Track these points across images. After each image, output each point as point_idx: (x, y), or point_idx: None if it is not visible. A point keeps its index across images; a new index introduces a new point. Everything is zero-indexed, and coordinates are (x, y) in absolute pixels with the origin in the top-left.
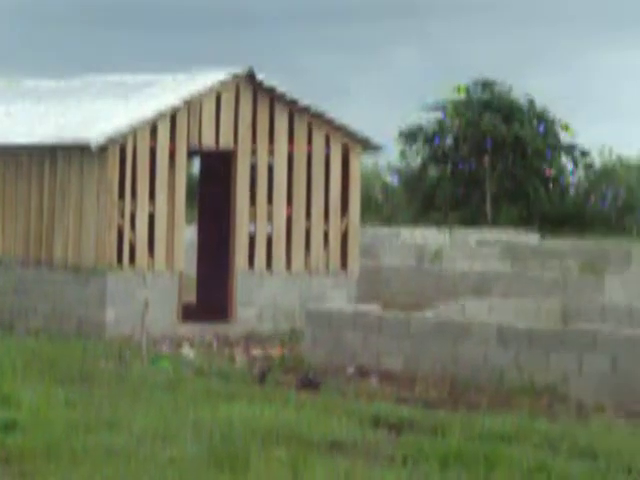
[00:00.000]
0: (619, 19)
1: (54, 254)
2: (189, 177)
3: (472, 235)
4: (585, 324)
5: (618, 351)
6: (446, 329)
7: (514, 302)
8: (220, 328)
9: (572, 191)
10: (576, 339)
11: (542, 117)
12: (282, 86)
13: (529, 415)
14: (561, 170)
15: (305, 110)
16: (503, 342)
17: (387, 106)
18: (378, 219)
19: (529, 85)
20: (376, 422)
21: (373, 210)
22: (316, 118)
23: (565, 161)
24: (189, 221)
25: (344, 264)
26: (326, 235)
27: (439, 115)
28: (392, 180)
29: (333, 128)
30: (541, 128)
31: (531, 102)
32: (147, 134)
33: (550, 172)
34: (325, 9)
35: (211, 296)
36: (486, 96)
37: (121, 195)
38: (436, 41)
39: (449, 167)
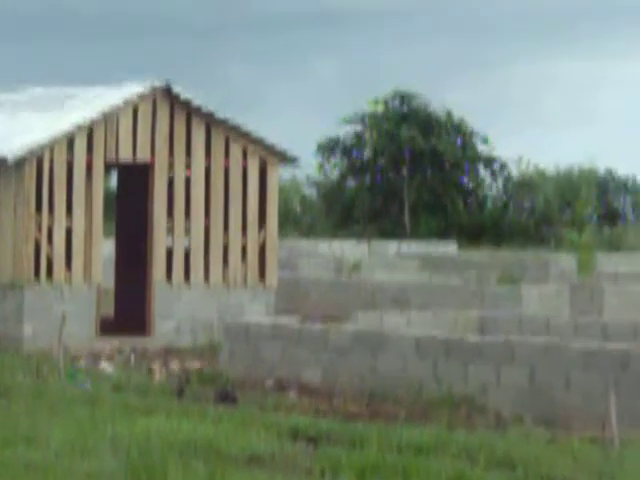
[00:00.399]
0: (536, 30)
1: None
2: (107, 190)
3: (391, 247)
4: (502, 335)
5: (535, 362)
6: (364, 341)
7: (432, 313)
8: (138, 342)
9: (490, 202)
10: (493, 350)
11: (460, 129)
12: (199, 99)
13: (447, 426)
14: (479, 182)
15: (222, 123)
16: (421, 353)
17: (306, 118)
18: (297, 231)
19: (447, 96)
20: (294, 435)
21: (292, 222)
22: (233, 131)
23: (483, 173)
24: (107, 235)
25: (262, 277)
26: (244, 248)
27: (357, 127)
28: (310, 192)
29: (250, 141)
30: (459, 140)
31: (449, 114)
32: (64, 147)
33: (467, 182)
34: (243, 20)
35: (129, 310)
36: (404, 108)
37: (38, 209)
38: (355, 52)
39: (367, 179)
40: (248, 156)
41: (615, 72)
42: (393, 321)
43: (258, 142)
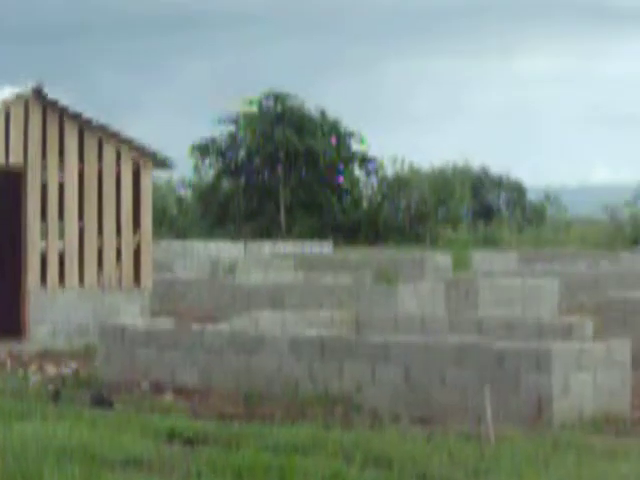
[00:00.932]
0: (407, 27)
1: None
2: None
3: (266, 247)
4: (378, 333)
5: (411, 360)
6: (240, 342)
7: (308, 313)
8: (13, 346)
9: (365, 201)
10: (369, 348)
11: (334, 128)
12: (73, 102)
13: (323, 425)
14: (354, 181)
15: (95, 126)
16: (296, 353)
17: (181, 120)
18: (173, 233)
19: (321, 95)
20: (171, 437)
21: (168, 224)
22: (106, 134)
23: (358, 172)
24: None
25: (137, 279)
26: (119, 251)
27: (232, 128)
28: (186, 194)
29: (123, 144)
30: (334, 140)
31: (323, 114)
32: None
33: (341, 180)
34: (115, 23)
35: (3, 314)
36: (278, 108)
37: None
38: (227, 53)
39: (242, 180)
40: (121, 159)
41: (488, 68)
42: (268, 321)
43: (131, 145)
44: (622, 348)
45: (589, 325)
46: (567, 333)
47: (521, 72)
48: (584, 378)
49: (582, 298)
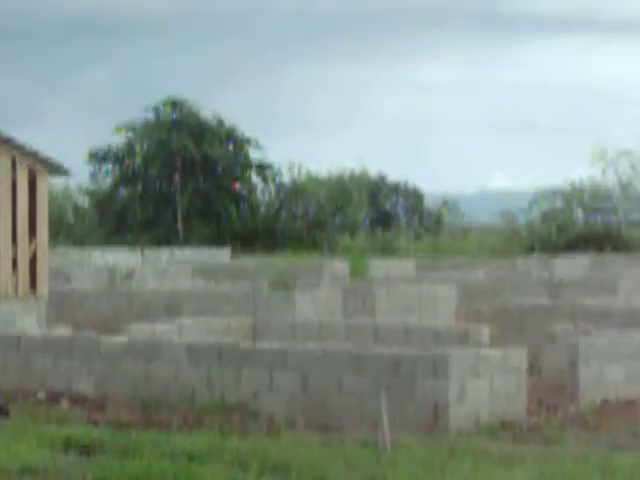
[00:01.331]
0: (306, 34)
1: None
2: None
3: (164, 254)
4: (276, 340)
5: (308, 367)
6: (137, 350)
7: (205, 320)
8: None
9: (263, 208)
10: (266, 356)
11: (231, 136)
12: None
13: (220, 432)
14: (251, 188)
15: None
16: (194, 360)
17: (81, 127)
18: (70, 241)
19: (219, 103)
20: (67, 446)
21: (65, 232)
22: (2, 143)
23: (255, 179)
24: None
25: (33, 287)
26: (14, 259)
27: (129, 136)
28: (83, 201)
29: (19, 152)
30: (230, 147)
31: (220, 121)
32: None
33: (238, 187)
34: (16, 29)
35: None
36: (175, 116)
37: None
38: (126, 61)
39: (140, 187)
40: (17, 167)
41: (387, 75)
42: (165, 329)
43: (26, 153)
44: (518, 354)
45: (485, 332)
46: (463, 340)
47: (420, 79)
48: (480, 384)
49: (479, 305)
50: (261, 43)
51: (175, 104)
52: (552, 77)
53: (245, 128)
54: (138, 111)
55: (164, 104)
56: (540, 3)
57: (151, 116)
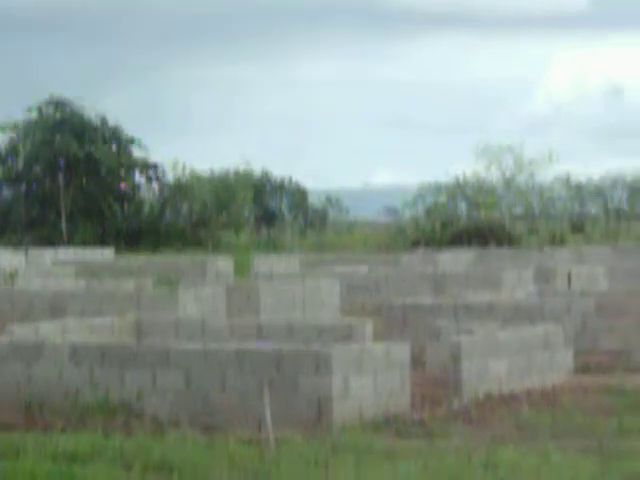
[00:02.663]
0: (187, 34)
1: None
2: None
3: (48, 254)
4: (159, 339)
5: (191, 366)
6: (19, 351)
7: (89, 320)
8: None
9: (147, 207)
10: (149, 355)
11: (115, 134)
12: None
13: (103, 433)
14: (135, 187)
15: None
16: (77, 360)
17: None
18: None
19: (102, 103)
20: None
21: None
22: None
23: (139, 178)
24: None
25: None
26: None
27: (12, 136)
28: None
29: None
30: (114, 146)
31: (103, 120)
32: None
33: (123, 186)
34: None
35: None
36: (59, 115)
37: None
38: (8, 60)
39: (23, 187)
40: None
41: (270, 73)
42: (49, 329)
43: None
44: (401, 349)
45: (369, 327)
46: (347, 335)
47: (301, 76)
48: (364, 379)
49: (363, 301)
50: (144, 44)
51: (58, 104)
52: (433, 74)
53: (129, 128)
54: (21, 111)
55: (47, 104)
56: None
57: (34, 116)
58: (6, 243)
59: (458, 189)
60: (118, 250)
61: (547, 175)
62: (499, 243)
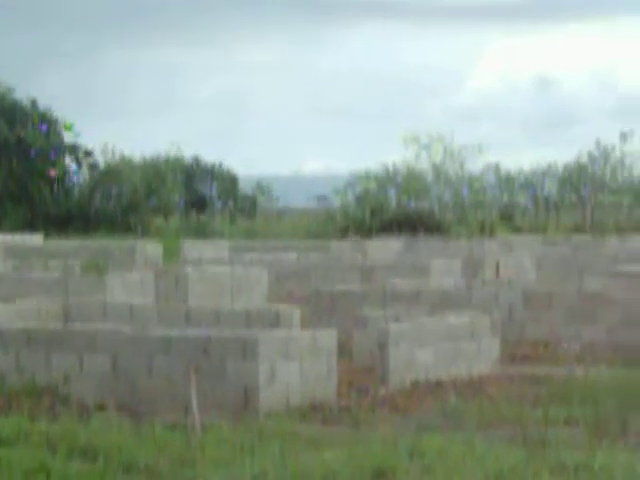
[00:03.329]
0: (122, 17)
1: None
2: None
3: None
4: (86, 324)
5: (118, 350)
6: None
7: (15, 304)
8: None
9: (77, 191)
10: (76, 339)
11: (45, 118)
12: None
13: (29, 417)
14: (65, 170)
15: None
16: (3, 344)
17: None
18: None
19: (34, 85)
20: None
21: None
22: None
23: (69, 161)
24: None
25: None
26: None
27: None
28: None
29: None
30: (44, 128)
31: (33, 102)
32: None
33: (54, 173)
34: None
35: None
36: None
37: None
38: None
39: None
40: None
41: (203, 58)
42: None
43: None
44: (328, 336)
45: (296, 314)
46: (275, 322)
47: (237, 61)
48: (290, 366)
49: (291, 288)
50: (78, 26)
51: None
52: (366, 62)
53: (62, 111)
54: None
55: None
56: None
57: None
58: None
59: (388, 177)
60: (47, 234)
61: (477, 165)
62: (428, 232)
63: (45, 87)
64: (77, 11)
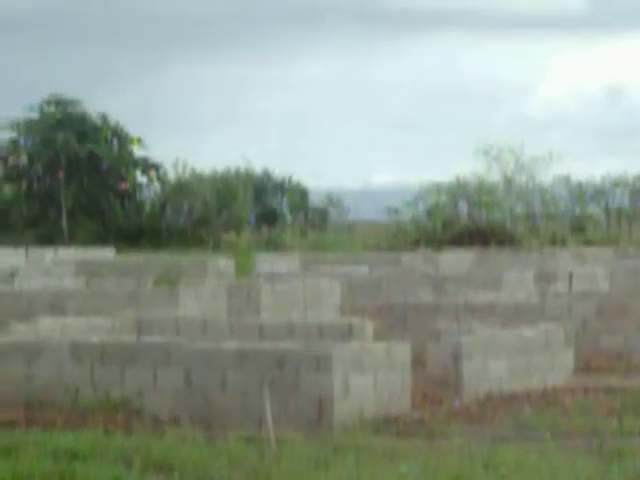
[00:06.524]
0: (184, 34)
1: None
2: None
3: (48, 253)
4: (159, 338)
5: (192, 364)
6: (19, 349)
7: (89, 319)
8: None
9: (148, 206)
10: (150, 353)
11: (116, 133)
12: None
13: (104, 431)
14: (136, 185)
15: None
16: (77, 358)
17: None
18: None
19: (102, 101)
20: None
21: None
22: None
23: (140, 176)
24: None
25: None
26: None
27: (13, 134)
28: None
29: None
30: (115, 144)
31: (104, 118)
32: None
33: (125, 187)
34: None
35: None
36: (59, 114)
37: None
38: (7, 59)
39: (24, 185)
40: None
41: (268, 73)
42: (49, 328)
43: None
44: (402, 349)
45: (369, 326)
46: (347, 335)
47: (298, 76)
48: (364, 379)
49: (363, 300)
50: (142, 43)
51: (59, 102)
52: (432, 74)
53: (129, 126)
54: (21, 110)
55: (48, 102)
56: None
57: (35, 114)
58: (6, 242)
59: (458, 189)
60: (119, 249)
61: (547, 175)
62: (500, 244)
63: (113, 102)
64: (144, 28)
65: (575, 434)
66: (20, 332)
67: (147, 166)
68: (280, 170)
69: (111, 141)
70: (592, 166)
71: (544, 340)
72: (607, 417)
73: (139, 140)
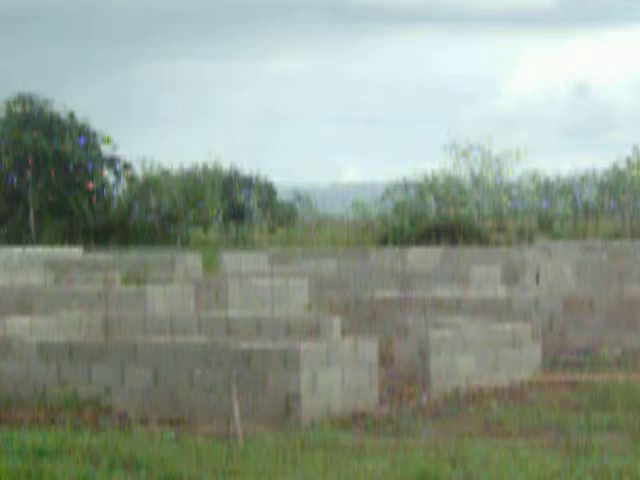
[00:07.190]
0: (153, 30)
1: None
2: None
3: (15, 252)
4: (127, 336)
5: (159, 361)
6: None
7: (57, 317)
8: None
9: (116, 203)
10: (117, 351)
11: (83, 130)
12: None
13: (72, 429)
14: (104, 183)
15: None
16: (44, 357)
17: None
18: None
19: (70, 98)
20: None
21: None
22: None
23: (107, 174)
24: None
25: None
26: None
27: None
28: None
29: None
30: (82, 141)
31: (71, 116)
32: None
33: (92, 185)
34: None
35: None
36: (26, 111)
37: None
38: None
39: None
40: None
41: (237, 70)
42: (16, 326)
43: None
44: (369, 345)
45: (337, 323)
46: (315, 331)
47: (268, 73)
48: (332, 376)
49: (331, 297)
50: (110, 39)
51: (26, 100)
52: (401, 71)
53: (98, 124)
54: None
55: (14, 101)
56: None
57: (2, 113)
58: None
59: (427, 186)
60: (87, 247)
61: (515, 172)
62: (467, 240)
63: (78, 99)
64: (112, 25)
65: (542, 429)
66: None
67: (115, 164)
68: (248, 167)
69: (79, 139)
70: (560, 162)
71: (511, 335)
72: (574, 412)
73: (109, 140)
